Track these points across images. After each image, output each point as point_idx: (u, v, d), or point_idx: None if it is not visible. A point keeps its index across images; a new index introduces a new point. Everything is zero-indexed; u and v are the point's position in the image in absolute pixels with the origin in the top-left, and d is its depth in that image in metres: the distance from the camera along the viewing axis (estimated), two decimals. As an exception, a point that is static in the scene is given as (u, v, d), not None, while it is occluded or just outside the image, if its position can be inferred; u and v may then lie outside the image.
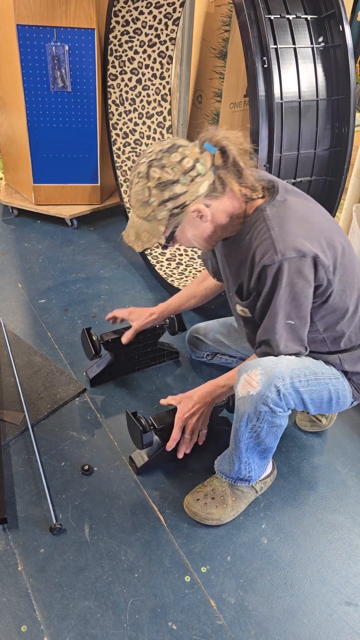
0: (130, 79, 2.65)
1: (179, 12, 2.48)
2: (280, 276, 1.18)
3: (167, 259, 2.58)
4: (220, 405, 1.56)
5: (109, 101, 2.66)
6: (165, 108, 2.74)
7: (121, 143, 2.75)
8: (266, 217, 1.21)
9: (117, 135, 2.73)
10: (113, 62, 2.58)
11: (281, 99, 1.62)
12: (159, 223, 1.21)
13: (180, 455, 1.53)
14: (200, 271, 2.49)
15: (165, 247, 1.29)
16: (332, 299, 1.28)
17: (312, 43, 1.66)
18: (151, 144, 2.78)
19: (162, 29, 2.53)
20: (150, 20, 2.48)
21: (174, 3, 2.43)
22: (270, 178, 1.31)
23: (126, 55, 2.57)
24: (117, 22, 2.45)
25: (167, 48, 2.60)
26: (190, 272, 2.49)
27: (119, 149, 2.75)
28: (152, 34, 2.54)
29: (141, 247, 1.26)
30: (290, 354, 1.27)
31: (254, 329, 1.36)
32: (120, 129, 2.73)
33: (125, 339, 1.77)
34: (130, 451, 1.61)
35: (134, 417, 1.46)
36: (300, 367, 1.27)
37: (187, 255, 2.62)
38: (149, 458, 1.55)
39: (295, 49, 1.63)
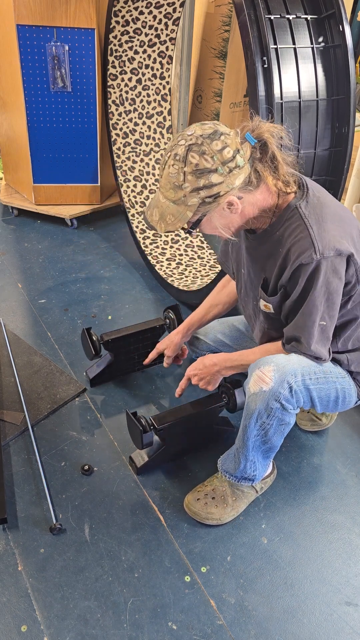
0: (130, 79, 2.65)
1: (179, 12, 2.48)
2: (317, 275, 1.18)
3: (167, 259, 2.58)
4: (221, 405, 1.56)
5: (109, 101, 2.66)
6: (165, 108, 2.74)
7: (121, 143, 2.75)
8: (302, 214, 1.21)
9: (117, 135, 2.73)
10: (113, 62, 2.57)
11: (281, 99, 1.62)
12: (187, 209, 1.18)
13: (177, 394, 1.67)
14: (200, 271, 2.49)
15: (189, 232, 1.27)
16: (353, 298, 1.29)
17: (312, 43, 1.66)
18: (151, 143, 2.78)
19: (162, 29, 2.53)
20: (150, 20, 2.48)
21: (174, 3, 2.43)
22: (296, 172, 1.30)
23: (126, 55, 2.57)
24: (117, 22, 2.44)
25: (167, 48, 2.60)
26: (190, 272, 2.49)
27: (119, 149, 2.75)
28: (152, 34, 2.54)
29: (164, 230, 1.23)
30: (316, 357, 1.28)
31: (273, 325, 1.37)
32: (120, 129, 2.73)
33: (165, 365, 1.83)
34: (130, 451, 1.61)
35: (134, 417, 1.46)
36: (310, 365, 1.29)
37: (187, 255, 2.62)
38: (149, 458, 1.55)
39: (295, 49, 1.63)
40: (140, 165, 2.79)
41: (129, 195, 2.78)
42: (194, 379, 1.57)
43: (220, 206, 1.19)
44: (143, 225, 2.73)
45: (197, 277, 2.43)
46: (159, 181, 1.24)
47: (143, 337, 1.87)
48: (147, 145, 2.78)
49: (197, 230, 1.27)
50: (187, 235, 2.58)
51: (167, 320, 1.90)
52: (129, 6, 2.40)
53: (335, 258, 1.18)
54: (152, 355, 1.84)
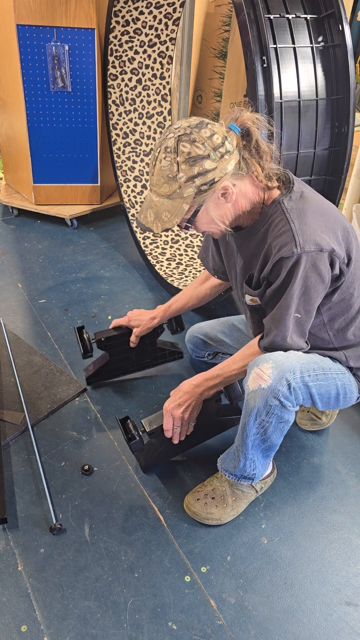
0: (130, 79, 2.65)
1: (179, 12, 2.48)
2: (297, 269, 1.18)
3: (167, 259, 2.58)
4: (216, 399, 1.55)
5: (109, 101, 2.66)
6: (165, 108, 2.74)
7: (121, 143, 2.75)
8: (284, 210, 1.21)
9: (117, 135, 2.73)
10: (113, 62, 2.58)
11: (281, 99, 1.62)
12: (183, 201, 1.17)
13: (175, 442, 1.48)
14: (200, 271, 2.49)
15: (186, 227, 1.25)
16: (341, 290, 1.29)
17: (311, 43, 1.66)
18: (151, 144, 2.78)
19: (162, 29, 2.53)
20: (150, 20, 2.48)
21: (174, 3, 2.43)
22: (284, 169, 1.30)
23: (126, 55, 2.57)
24: (117, 22, 2.45)
25: (167, 48, 2.60)
26: (190, 272, 2.49)
27: (119, 149, 2.75)
28: (152, 34, 2.54)
29: (161, 229, 1.21)
30: (295, 348, 1.29)
31: (261, 317, 1.37)
32: (120, 129, 2.73)
33: (131, 344, 1.81)
34: (130, 451, 1.60)
35: (121, 425, 1.45)
36: (309, 362, 1.29)
37: (187, 255, 2.62)
38: (145, 461, 1.55)
39: (294, 49, 1.63)
40: (140, 165, 2.79)
41: (129, 195, 2.78)
42: (178, 411, 1.42)
43: (215, 194, 1.19)
44: (143, 225, 2.74)
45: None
46: (149, 181, 1.23)
47: (140, 337, 1.87)
48: (147, 145, 2.78)
49: (193, 226, 1.26)
50: (185, 232, 2.58)
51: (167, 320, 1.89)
52: (129, 6, 2.40)
53: (316, 254, 1.18)
54: (133, 339, 1.81)
